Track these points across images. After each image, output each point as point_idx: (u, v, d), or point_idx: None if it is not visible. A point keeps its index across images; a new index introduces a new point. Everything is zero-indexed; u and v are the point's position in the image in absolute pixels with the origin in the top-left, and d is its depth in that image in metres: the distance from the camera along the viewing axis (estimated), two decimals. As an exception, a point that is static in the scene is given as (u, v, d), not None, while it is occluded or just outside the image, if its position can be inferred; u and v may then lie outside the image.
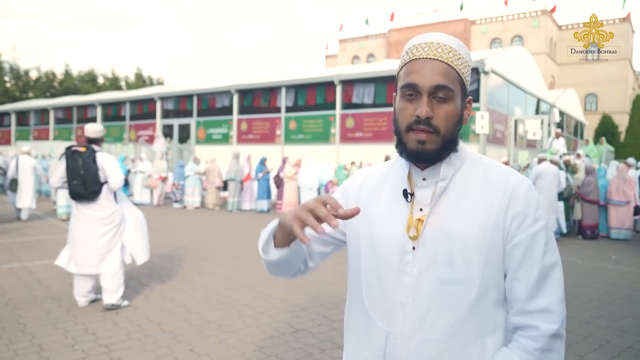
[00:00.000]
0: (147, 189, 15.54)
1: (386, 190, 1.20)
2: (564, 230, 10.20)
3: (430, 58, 1.08)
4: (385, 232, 1.14)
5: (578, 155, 11.76)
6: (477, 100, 14.83)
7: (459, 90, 1.10)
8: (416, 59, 1.09)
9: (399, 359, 1.09)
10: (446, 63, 1.08)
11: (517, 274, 1.07)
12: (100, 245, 4.69)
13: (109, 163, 4.68)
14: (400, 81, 1.12)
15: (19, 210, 11.00)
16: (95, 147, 4.78)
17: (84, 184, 4.62)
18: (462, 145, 1.16)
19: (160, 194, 15.48)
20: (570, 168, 10.90)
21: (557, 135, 15.03)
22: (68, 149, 4.75)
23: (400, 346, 1.09)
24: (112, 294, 4.68)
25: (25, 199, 10.78)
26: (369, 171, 1.29)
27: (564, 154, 12.98)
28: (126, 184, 15.88)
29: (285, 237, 1.12)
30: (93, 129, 4.83)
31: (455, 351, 1.06)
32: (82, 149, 4.70)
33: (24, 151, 11.32)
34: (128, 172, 15.70)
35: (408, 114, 1.08)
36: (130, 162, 17.20)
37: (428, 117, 1.05)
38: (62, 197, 11.03)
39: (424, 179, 1.14)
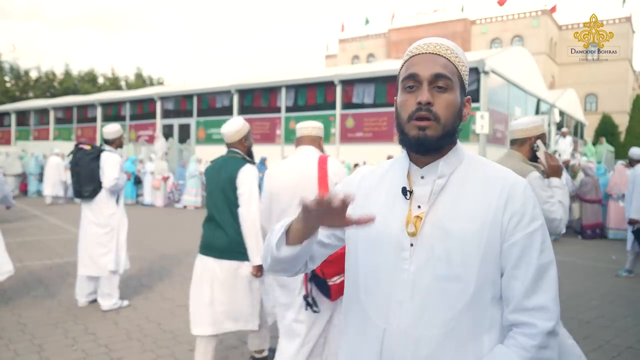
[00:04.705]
0: (157, 190, 15.51)
1: (384, 187, 1.21)
2: (563, 230, 10.20)
3: (430, 53, 1.13)
4: (382, 229, 1.15)
5: (577, 163, 11.69)
6: (477, 100, 14.81)
7: (457, 84, 1.14)
8: (415, 55, 1.15)
9: (396, 355, 1.09)
10: (445, 57, 1.13)
11: (514, 272, 1.08)
12: (92, 247, 4.63)
13: (107, 162, 4.60)
14: (401, 77, 1.17)
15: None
16: (106, 147, 4.74)
17: (79, 181, 4.61)
18: (460, 145, 1.19)
19: (164, 195, 15.46)
20: (569, 169, 10.89)
21: (564, 134, 14.70)
22: (76, 145, 4.76)
23: (397, 342, 1.09)
24: (105, 299, 4.66)
25: (47, 188, 14.78)
26: (368, 169, 1.32)
27: (572, 152, 12.71)
28: (137, 182, 15.84)
29: (299, 234, 1.11)
30: (105, 130, 4.81)
31: (452, 347, 1.06)
32: (87, 147, 4.69)
33: (56, 153, 15.48)
34: (136, 176, 15.64)
35: (410, 105, 1.12)
36: (139, 163, 17.13)
37: (429, 103, 1.09)
38: None
39: (422, 177, 1.16)
